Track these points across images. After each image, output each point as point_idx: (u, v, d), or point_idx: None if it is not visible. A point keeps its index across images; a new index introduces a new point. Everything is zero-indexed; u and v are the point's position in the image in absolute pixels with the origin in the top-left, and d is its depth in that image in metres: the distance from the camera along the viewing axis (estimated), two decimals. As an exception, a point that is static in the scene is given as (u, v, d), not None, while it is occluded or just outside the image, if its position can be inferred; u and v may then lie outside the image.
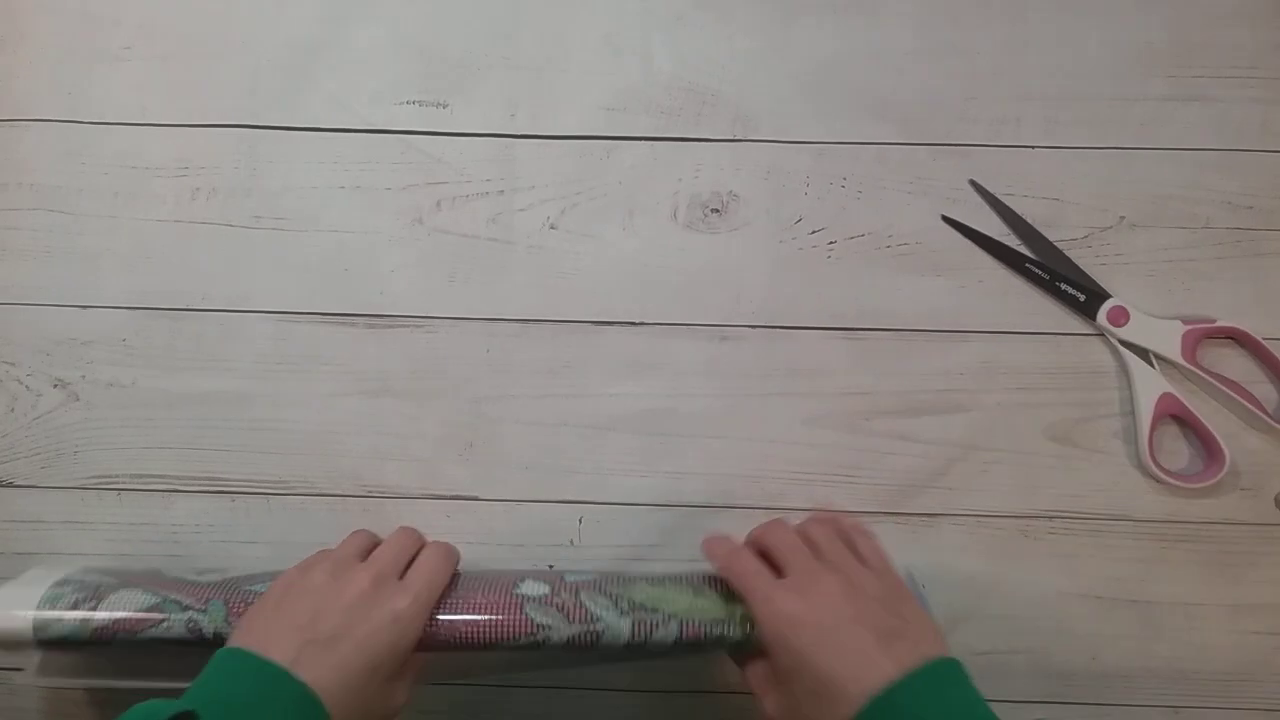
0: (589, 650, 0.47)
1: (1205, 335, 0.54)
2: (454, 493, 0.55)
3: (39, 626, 0.47)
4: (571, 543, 0.55)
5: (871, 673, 0.40)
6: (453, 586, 0.48)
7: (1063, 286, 0.54)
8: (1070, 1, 0.55)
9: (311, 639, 0.43)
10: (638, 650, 0.47)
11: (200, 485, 0.55)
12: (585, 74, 0.56)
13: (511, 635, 0.47)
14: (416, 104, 0.56)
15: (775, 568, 0.46)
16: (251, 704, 0.41)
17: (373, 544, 0.49)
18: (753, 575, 0.45)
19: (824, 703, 0.41)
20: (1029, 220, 0.55)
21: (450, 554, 0.49)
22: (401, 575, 0.47)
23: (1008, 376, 0.55)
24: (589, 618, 0.46)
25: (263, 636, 0.43)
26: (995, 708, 0.40)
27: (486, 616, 0.47)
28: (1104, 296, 0.54)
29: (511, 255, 0.56)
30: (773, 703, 0.44)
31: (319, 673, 0.42)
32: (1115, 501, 0.54)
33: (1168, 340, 0.53)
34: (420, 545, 0.49)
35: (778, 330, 0.55)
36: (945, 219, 0.55)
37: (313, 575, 0.45)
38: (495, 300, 0.55)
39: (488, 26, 0.56)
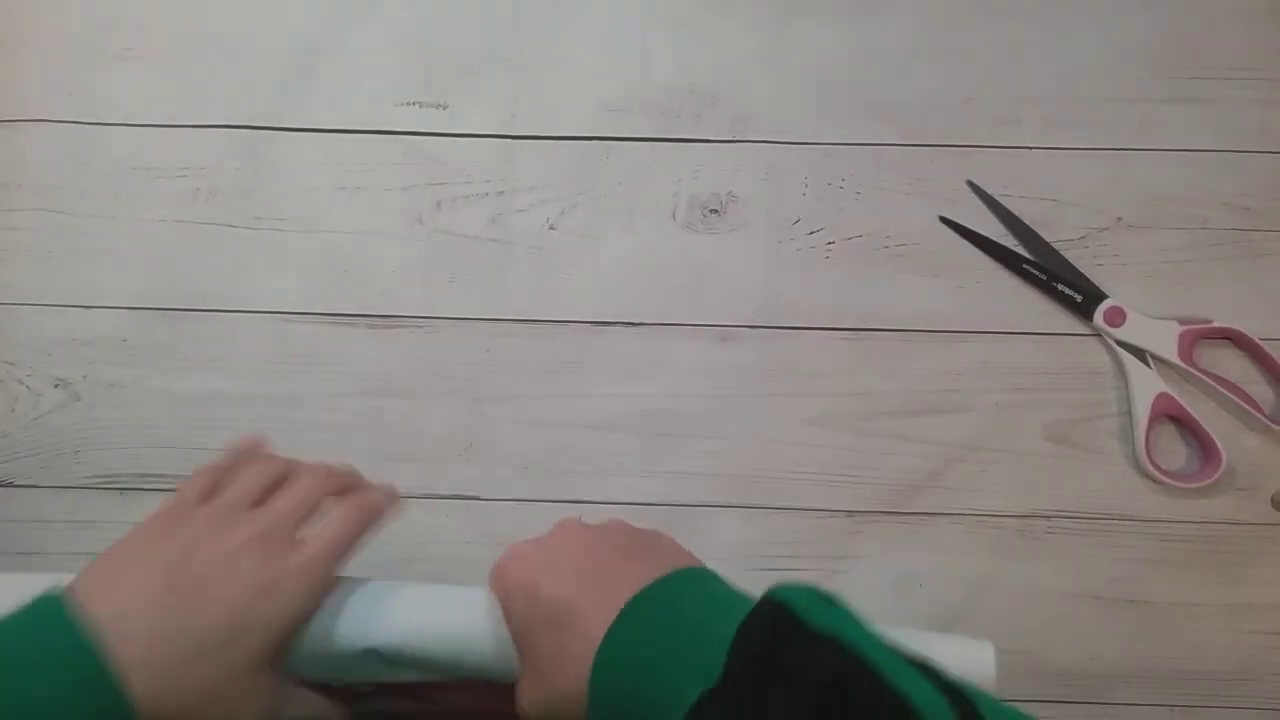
0: None
1: (1202, 336, 0.54)
2: (454, 493, 0.55)
3: None
4: (571, 542, 0.55)
5: (618, 583, 0.34)
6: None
7: (1060, 287, 0.54)
8: (1068, 3, 0.56)
9: (164, 594, 0.34)
10: None
11: (201, 485, 0.55)
12: (585, 75, 0.56)
13: None
14: (416, 105, 0.56)
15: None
16: (20, 667, 0.31)
17: (275, 477, 0.40)
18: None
19: (567, 633, 0.34)
20: (1027, 221, 0.55)
21: (366, 513, 0.40)
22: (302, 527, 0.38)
23: (1006, 377, 0.55)
24: None
25: (101, 586, 0.34)
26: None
27: None
28: (1101, 297, 0.54)
29: (511, 256, 0.56)
30: (523, 690, 0.37)
31: (137, 647, 0.32)
32: (1113, 501, 0.55)
33: (1164, 341, 0.54)
34: (338, 489, 0.40)
35: (777, 330, 0.55)
36: (943, 220, 0.55)
37: (188, 521, 0.37)
38: (495, 301, 0.56)
39: (487, 27, 0.56)
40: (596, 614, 0.34)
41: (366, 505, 0.40)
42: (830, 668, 0.30)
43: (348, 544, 0.39)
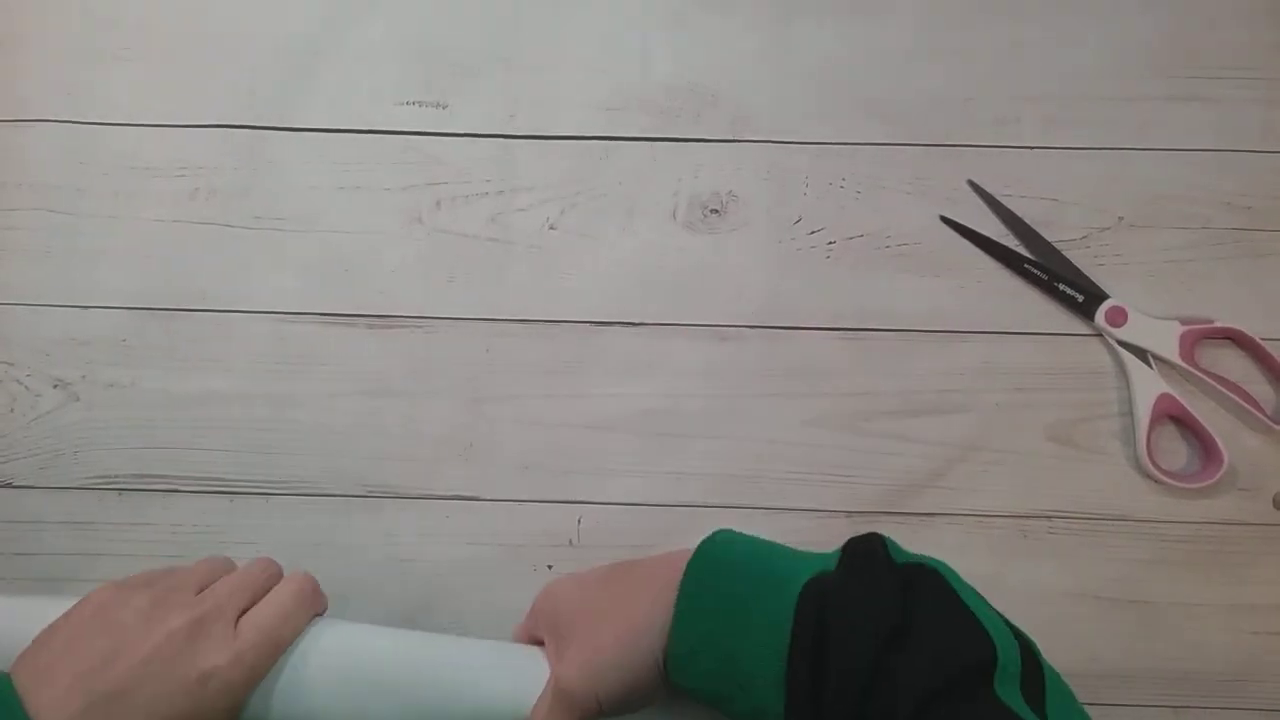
0: None
1: (1203, 336, 0.54)
2: (454, 493, 0.55)
3: None
4: (570, 543, 0.55)
5: (672, 557, 0.40)
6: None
7: (1061, 287, 0.54)
8: (1068, 3, 0.56)
9: (91, 698, 0.34)
10: None
11: (200, 485, 0.55)
12: (585, 74, 0.56)
13: None
14: (416, 104, 0.56)
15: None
16: None
17: (224, 571, 0.42)
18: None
19: (641, 565, 0.40)
20: (1027, 221, 0.55)
21: (308, 598, 0.41)
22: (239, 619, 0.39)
23: (1006, 377, 0.55)
24: None
25: (40, 674, 0.35)
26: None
27: None
28: (1102, 297, 0.54)
29: (511, 255, 0.56)
30: (569, 660, 0.39)
31: None
32: (1114, 502, 0.54)
33: (1166, 341, 0.54)
34: (275, 580, 0.42)
35: (777, 330, 0.55)
36: (944, 219, 0.55)
37: (128, 604, 0.37)
38: (495, 300, 0.55)
39: (487, 27, 0.56)
40: (669, 553, 0.40)
41: (304, 593, 0.40)
42: (915, 572, 0.35)
43: (285, 634, 0.38)
